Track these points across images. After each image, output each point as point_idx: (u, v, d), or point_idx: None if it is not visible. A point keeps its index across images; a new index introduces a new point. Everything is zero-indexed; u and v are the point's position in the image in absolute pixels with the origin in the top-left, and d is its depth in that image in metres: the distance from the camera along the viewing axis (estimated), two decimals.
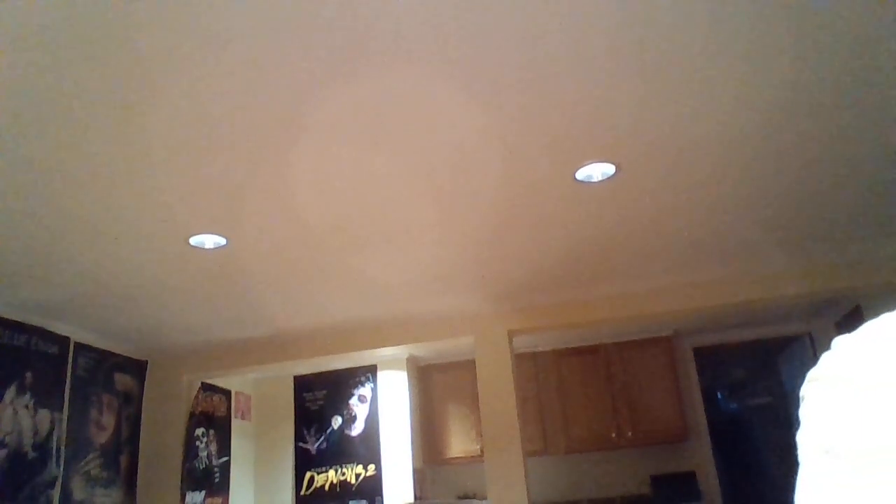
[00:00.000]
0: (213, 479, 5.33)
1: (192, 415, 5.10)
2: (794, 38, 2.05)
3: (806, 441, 0.50)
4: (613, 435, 5.72)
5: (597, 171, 2.82)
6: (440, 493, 6.07)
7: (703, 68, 2.17)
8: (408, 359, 5.86)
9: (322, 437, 5.86)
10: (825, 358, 0.52)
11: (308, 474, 5.81)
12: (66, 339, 4.23)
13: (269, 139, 2.37)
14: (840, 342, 0.52)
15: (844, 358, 0.50)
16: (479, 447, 5.64)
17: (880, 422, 0.45)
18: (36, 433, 3.88)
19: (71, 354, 4.25)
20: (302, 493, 5.77)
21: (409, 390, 5.80)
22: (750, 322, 5.90)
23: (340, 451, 5.78)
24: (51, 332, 4.10)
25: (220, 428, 5.55)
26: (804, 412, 0.52)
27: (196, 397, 5.20)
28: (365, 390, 5.86)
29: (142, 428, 4.89)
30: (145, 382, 5.00)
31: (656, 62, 2.11)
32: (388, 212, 3.05)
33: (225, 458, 5.54)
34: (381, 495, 5.55)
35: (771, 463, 7.59)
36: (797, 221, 3.58)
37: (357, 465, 5.70)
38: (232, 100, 2.12)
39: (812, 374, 0.52)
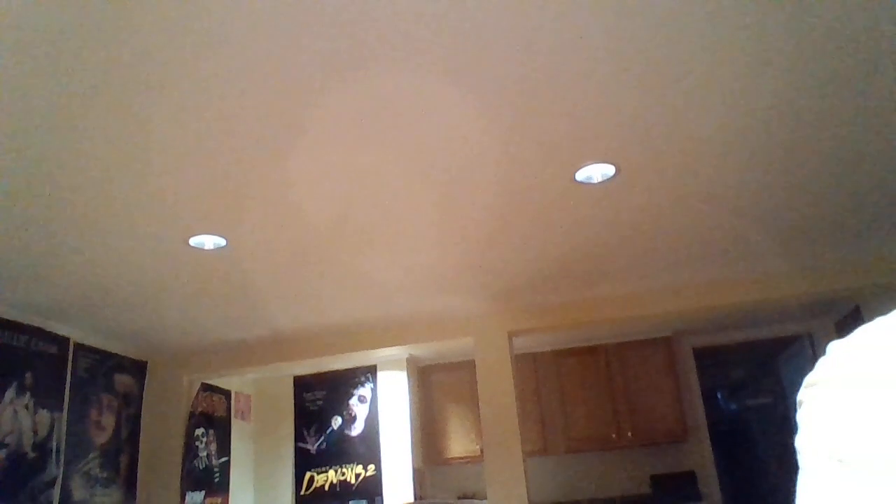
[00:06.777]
0: (213, 480, 5.33)
1: (191, 415, 5.10)
2: (793, 39, 2.05)
3: (805, 446, 0.50)
4: (613, 435, 5.72)
5: (596, 173, 2.82)
6: (440, 494, 6.07)
7: (703, 69, 2.17)
8: (408, 359, 5.86)
9: (322, 438, 5.87)
10: (821, 363, 0.52)
11: (308, 474, 5.81)
12: (66, 339, 4.23)
13: (268, 139, 2.37)
14: (835, 346, 0.52)
15: (841, 362, 0.50)
16: (478, 447, 5.64)
17: (881, 426, 0.45)
18: (36, 433, 3.88)
19: (71, 355, 4.25)
20: (302, 493, 5.78)
21: (409, 390, 5.80)
22: (750, 322, 5.90)
23: (340, 451, 5.78)
24: (51, 333, 4.10)
25: (220, 428, 5.55)
26: (803, 417, 0.52)
27: (196, 397, 5.20)
28: (365, 390, 5.86)
29: (142, 428, 4.89)
30: (145, 383, 5.00)
31: (656, 63, 2.12)
32: (388, 212, 3.05)
33: (225, 459, 5.54)
34: (380, 495, 5.56)
35: (771, 463, 7.59)
36: (797, 221, 3.58)
37: (357, 465, 5.70)
38: (232, 100, 2.12)
39: (809, 380, 0.52)
